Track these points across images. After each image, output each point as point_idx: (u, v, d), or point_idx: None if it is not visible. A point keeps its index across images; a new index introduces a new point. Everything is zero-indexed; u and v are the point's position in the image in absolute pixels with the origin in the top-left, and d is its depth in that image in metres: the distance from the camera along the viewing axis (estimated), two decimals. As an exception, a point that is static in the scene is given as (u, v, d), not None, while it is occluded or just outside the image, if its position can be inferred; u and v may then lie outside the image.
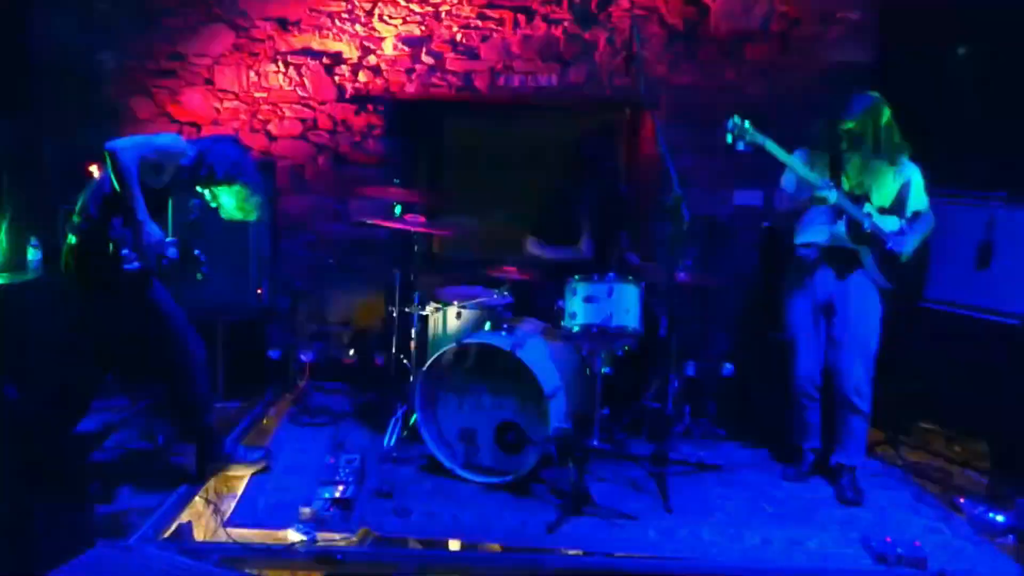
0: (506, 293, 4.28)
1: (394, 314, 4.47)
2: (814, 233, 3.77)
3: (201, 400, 3.65)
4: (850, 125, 3.62)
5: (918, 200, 3.75)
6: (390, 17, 5.29)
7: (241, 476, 3.72)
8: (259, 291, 4.86)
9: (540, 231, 4.71)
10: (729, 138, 3.42)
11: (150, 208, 3.32)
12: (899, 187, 3.72)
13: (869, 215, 3.64)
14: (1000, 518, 3.49)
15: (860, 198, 3.65)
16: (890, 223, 3.69)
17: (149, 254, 3.31)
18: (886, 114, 3.61)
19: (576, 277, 3.90)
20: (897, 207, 3.72)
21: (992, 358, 4.05)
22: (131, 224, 3.28)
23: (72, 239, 3.39)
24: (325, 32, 5.33)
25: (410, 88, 5.37)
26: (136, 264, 3.29)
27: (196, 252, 3.53)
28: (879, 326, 3.71)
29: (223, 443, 3.77)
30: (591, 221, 4.64)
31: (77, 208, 3.42)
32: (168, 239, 3.42)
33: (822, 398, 3.86)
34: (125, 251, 3.27)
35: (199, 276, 3.55)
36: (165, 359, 3.57)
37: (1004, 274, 4.13)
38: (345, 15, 5.30)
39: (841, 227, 3.64)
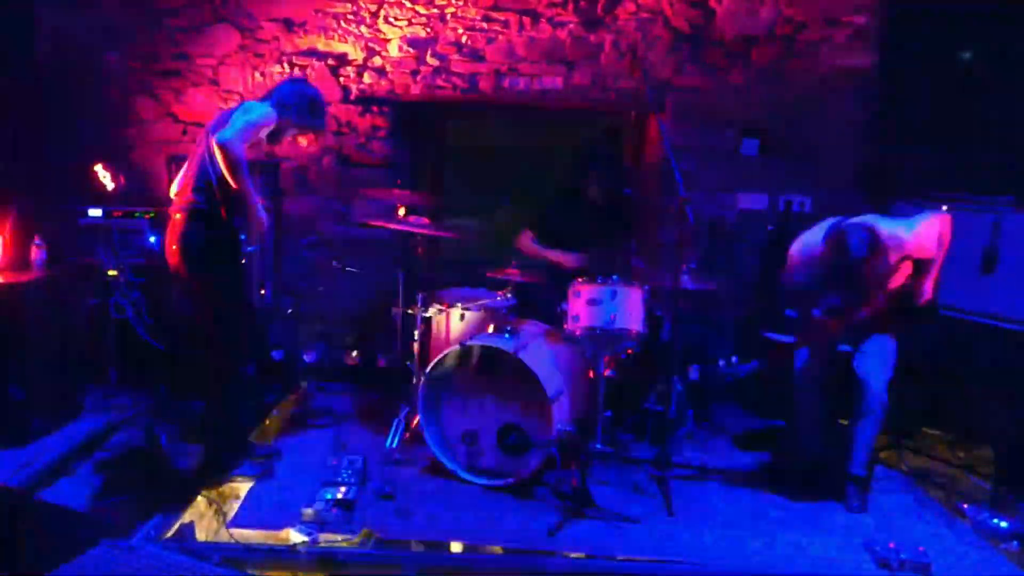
0: (509, 295, 4.28)
1: (397, 316, 4.47)
2: None
3: (244, 391, 3.79)
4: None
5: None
6: (395, 19, 5.30)
7: (243, 484, 3.72)
8: (262, 291, 4.86)
9: (539, 228, 4.70)
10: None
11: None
12: None
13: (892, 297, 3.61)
14: (1004, 524, 3.48)
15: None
16: (905, 271, 3.64)
17: (259, 237, 3.40)
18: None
19: (580, 280, 3.90)
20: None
21: (997, 363, 4.03)
22: (241, 209, 3.42)
23: (187, 218, 3.49)
24: (330, 33, 5.34)
25: (415, 90, 5.38)
26: (253, 247, 3.38)
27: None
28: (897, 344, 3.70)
29: (248, 443, 3.84)
30: (592, 232, 4.62)
31: (189, 188, 3.53)
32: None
33: (828, 401, 3.84)
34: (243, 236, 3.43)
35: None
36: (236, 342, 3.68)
37: (1009, 279, 4.12)
38: (351, 16, 5.31)
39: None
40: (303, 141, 3.97)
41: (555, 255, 4.61)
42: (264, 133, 3.56)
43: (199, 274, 3.56)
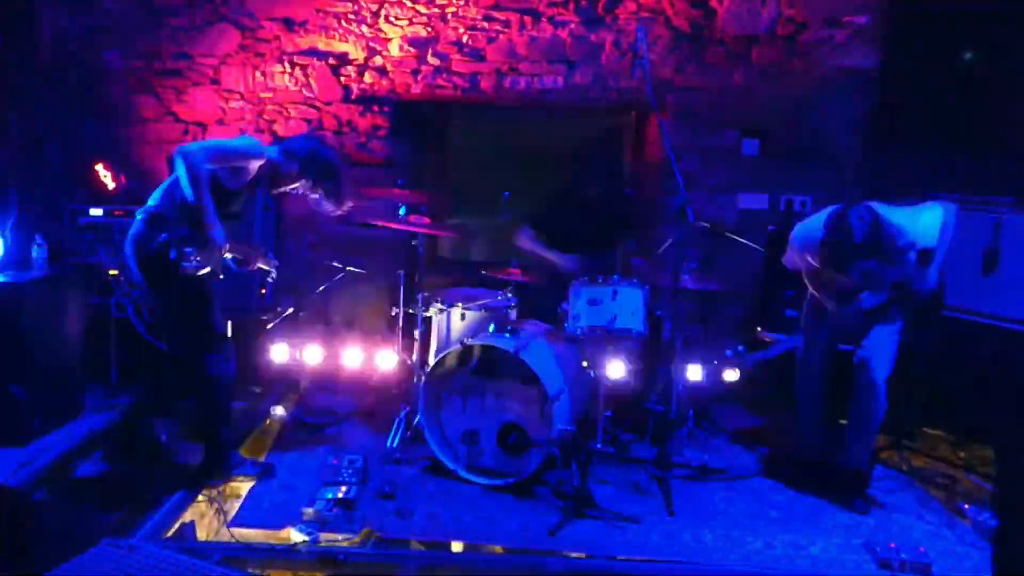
0: (510, 295, 4.28)
1: (398, 315, 4.47)
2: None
3: (221, 412, 3.69)
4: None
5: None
6: (396, 18, 5.30)
7: (243, 484, 3.72)
8: (263, 291, 4.86)
9: (537, 226, 4.67)
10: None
11: (221, 210, 3.37)
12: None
13: (897, 285, 3.59)
14: (1005, 524, 3.47)
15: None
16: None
17: (214, 257, 3.34)
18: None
19: (581, 279, 3.90)
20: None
21: (998, 363, 4.03)
22: (200, 227, 3.31)
23: (139, 228, 3.42)
24: (331, 33, 5.34)
25: (416, 89, 5.38)
26: (195, 265, 3.30)
27: (270, 256, 3.71)
28: (899, 336, 3.71)
29: (231, 456, 3.78)
30: (591, 232, 4.61)
31: (152, 198, 3.49)
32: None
33: (828, 399, 3.84)
34: (189, 250, 3.29)
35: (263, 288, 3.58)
36: (197, 365, 3.58)
37: (1011, 280, 4.12)
38: (351, 16, 5.31)
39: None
40: (327, 203, 3.72)
41: (550, 255, 4.58)
42: (243, 165, 3.45)
43: (148, 279, 3.47)
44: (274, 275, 3.81)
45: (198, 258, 3.29)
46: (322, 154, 3.64)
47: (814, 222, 3.59)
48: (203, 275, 3.36)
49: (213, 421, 3.68)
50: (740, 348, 3.68)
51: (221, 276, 3.44)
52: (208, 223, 3.31)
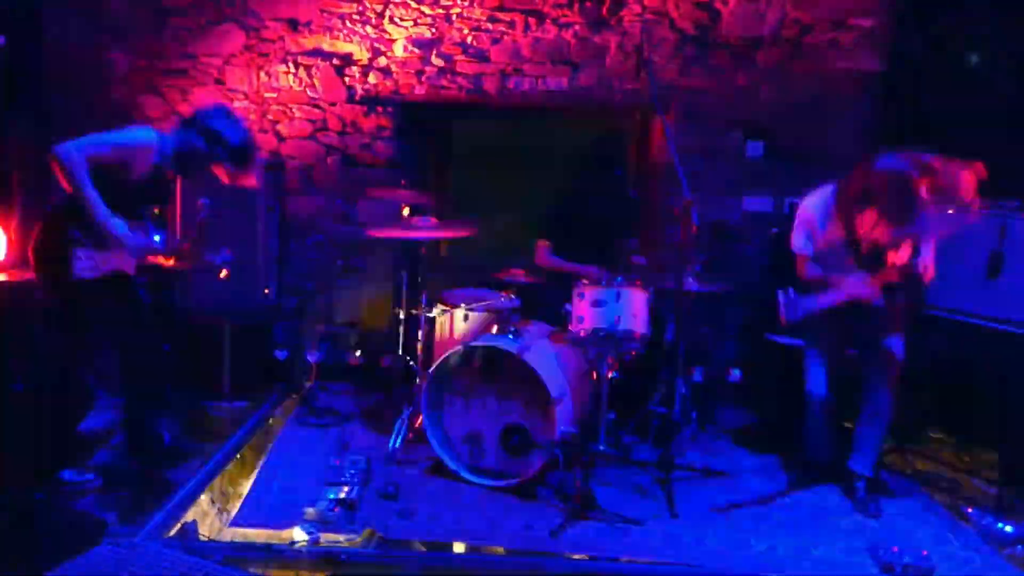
0: (513, 296, 4.27)
1: (401, 316, 4.46)
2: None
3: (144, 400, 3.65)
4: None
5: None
6: (401, 19, 5.30)
7: (243, 477, 3.72)
8: (266, 291, 4.87)
9: (554, 238, 4.62)
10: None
11: (147, 205, 3.35)
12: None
13: (894, 266, 3.55)
14: (1009, 528, 3.46)
15: (880, 251, 3.54)
16: (907, 250, 3.63)
17: (118, 252, 3.29)
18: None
19: (584, 281, 3.89)
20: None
21: (1002, 368, 4.02)
22: (92, 225, 3.23)
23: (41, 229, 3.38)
24: (336, 33, 5.34)
25: (420, 90, 5.38)
26: (89, 266, 3.24)
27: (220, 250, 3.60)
28: (905, 336, 3.69)
29: (153, 438, 3.72)
30: (600, 235, 4.59)
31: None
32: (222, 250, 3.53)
33: (834, 405, 3.83)
34: (81, 252, 3.23)
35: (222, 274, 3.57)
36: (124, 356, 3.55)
37: (1015, 283, 4.10)
38: (356, 16, 5.31)
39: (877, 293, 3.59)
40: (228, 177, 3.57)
41: (575, 268, 4.47)
42: (128, 158, 3.32)
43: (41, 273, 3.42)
44: (225, 273, 3.69)
45: (96, 259, 3.24)
46: (214, 124, 3.43)
47: (820, 196, 3.62)
48: (114, 275, 3.32)
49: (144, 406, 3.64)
50: (791, 291, 3.52)
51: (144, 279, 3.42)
52: (98, 219, 3.21)
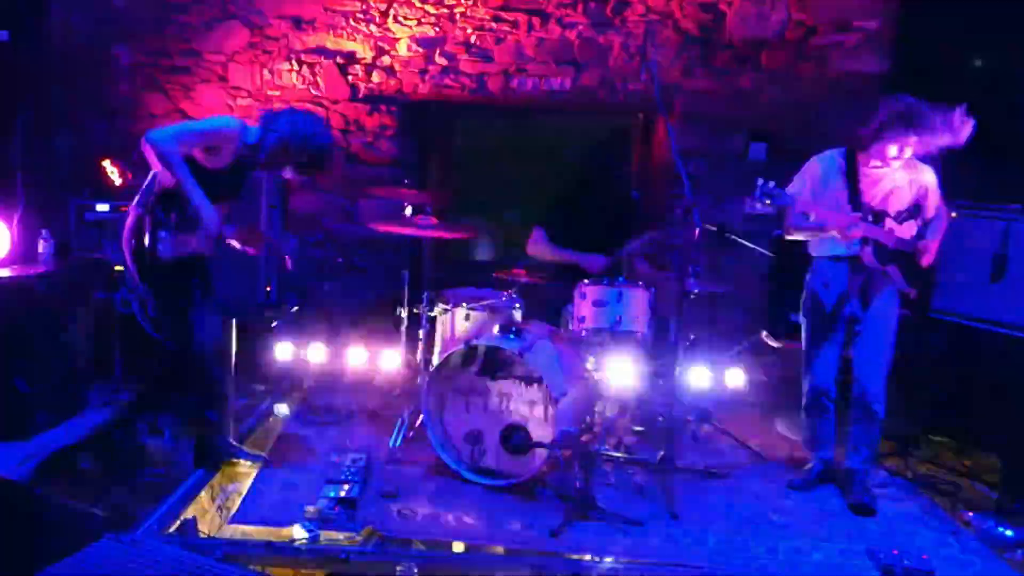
0: (515, 295, 4.27)
1: (403, 315, 4.46)
2: (836, 246, 3.70)
3: (208, 394, 3.70)
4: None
5: (935, 204, 3.71)
6: (405, 18, 5.30)
7: (244, 472, 3.73)
8: (268, 289, 4.86)
9: (552, 226, 4.61)
10: (758, 204, 3.49)
11: (221, 192, 3.39)
12: (915, 193, 3.68)
13: (891, 232, 3.59)
14: (1009, 532, 3.46)
15: (880, 215, 3.60)
16: (910, 230, 3.66)
17: (202, 237, 3.36)
18: None
19: (586, 281, 3.89)
20: (914, 210, 3.68)
21: (1004, 371, 4.01)
22: (190, 210, 3.32)
23: (128, 221, 3.43)
24: (339, 31, 5.34)
25: (423, 89, 5.38)
26: (171, 248, 3.32)
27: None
28: (896, 331, 3.70)
29: (216, 441, 3.78)
30: (604, 233, 4.58)
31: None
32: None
33: (835, 407, 3.83)
34: (163, 234, 3.31)
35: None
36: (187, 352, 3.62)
37: (1018, 287, 4.10)
38: (360, 15, 5.32)
39: (868, 252, 3.59)
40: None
41: (572, 256, 4.45)
42: (216, 144, 3.39)
43: (139, 271, 3.47)
44: (290, 264, 3.84)
45: (175, 240, 3.31)
46: (301, 128, 3.49)
47: (830, 153, 3.81)
48: (191, 258, 3.37)
49: (202, 405, 3.70)
50: (771, 183, 3.50)
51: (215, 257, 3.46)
52: (194, 202, 3.30)
